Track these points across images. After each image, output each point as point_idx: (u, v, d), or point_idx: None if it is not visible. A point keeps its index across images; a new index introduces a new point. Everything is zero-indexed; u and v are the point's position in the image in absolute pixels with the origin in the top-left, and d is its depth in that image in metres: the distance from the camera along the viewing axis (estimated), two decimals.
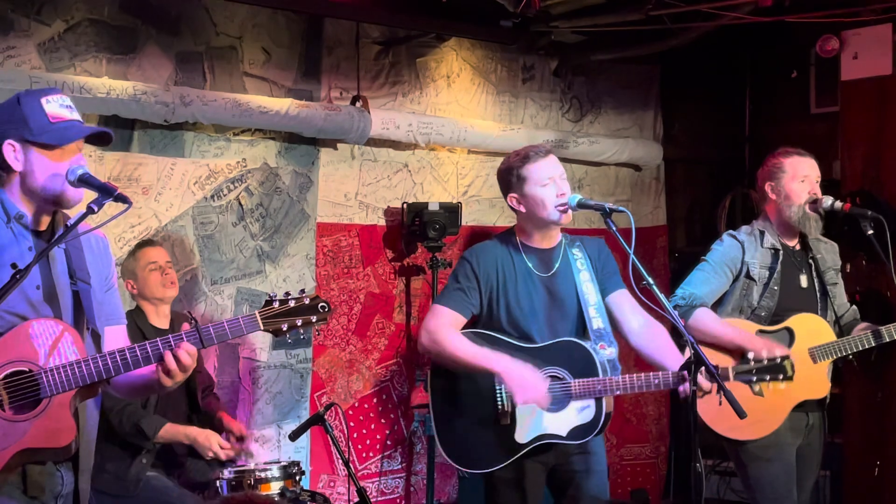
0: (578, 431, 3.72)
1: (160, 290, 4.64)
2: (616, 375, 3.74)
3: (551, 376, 3.75)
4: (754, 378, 3.71)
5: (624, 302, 3.92)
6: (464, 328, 3.90)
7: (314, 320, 2.85)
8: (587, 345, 3.76)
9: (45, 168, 2.82)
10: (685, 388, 3.55)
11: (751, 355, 3.75)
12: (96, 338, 2.89)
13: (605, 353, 3.76)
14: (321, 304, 2.85)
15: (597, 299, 3.85)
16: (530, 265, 3.87)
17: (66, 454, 2.84)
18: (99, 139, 2.96)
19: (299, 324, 2.84)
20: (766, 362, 3.69)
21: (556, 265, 3.88)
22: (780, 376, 3.69)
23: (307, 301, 2.85)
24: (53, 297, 2.85)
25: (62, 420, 2.75)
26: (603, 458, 3.91)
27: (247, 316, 2.82)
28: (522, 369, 3.68)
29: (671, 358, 3.76)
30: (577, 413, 3.72)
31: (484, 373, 3.73)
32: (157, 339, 2.82)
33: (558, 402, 3.74)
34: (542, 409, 3.74)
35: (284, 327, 2.83)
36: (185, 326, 2.85)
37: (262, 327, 2.81)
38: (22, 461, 2.76)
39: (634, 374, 3.70)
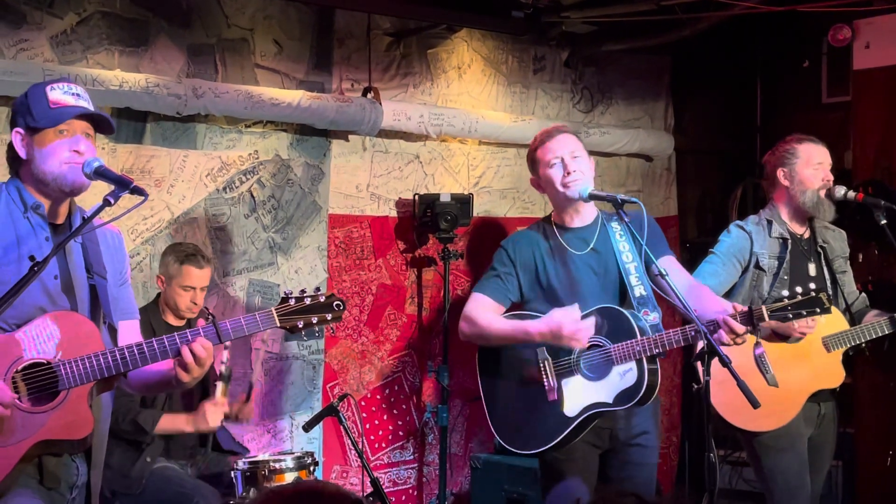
0: (624, 396, 3.74)
1: (183, 309, 4.63)
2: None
3: (592, 345, 3.78)
4: (791, 315, 3.62)
5: (670, 267, 3.85)
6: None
7: (329, 318, 2.89)
8: (623, 309, 3.79)
9: (42, 151, 2.85)
10: (720, 335, 3.56)
11: (784, 292, 3.68)
12: (112, 332, 2.91)
13: (649, 318, 3.79)
14: (336, 303, 2.89)
15: (638, 267, 3.86)
16: (567, 245, 3.92)
17: (83, 446, 2.87)
18: (100, 125, 2.96)
19: (315, 321, 2.88)
20: (800, 297, 3.62)
21: (594, 241, 3.92)
22: (818, 309, 3.61)
23: (322, 299, 2.89)
24: (70, 288, 2.87)
25: (80, 412, 2.78)
26: (656, 452, 3.96)
27: (263, 312, 2.85)
28: (555, 318, 3.68)
29: (714, 311, 3.71)
30: (620, 378, 3.74)
31: (526, 341, 3.76)
32: (175, 333, 2.85)
33: (600, 369, 3.77)
34: (586, 380, 3.76)
35: (300, 324, 2.87)
36: (201, 322, 2.88)
37: (278, 324, 2.85)
38: (39, 452, 2.79)
39: (670, 330, 3.71)
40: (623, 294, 3.87)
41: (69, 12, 4.72)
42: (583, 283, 3.87)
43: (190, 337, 2.82)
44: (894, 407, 5.92)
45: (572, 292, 3.85)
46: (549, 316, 3.71)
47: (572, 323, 3.66)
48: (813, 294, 3.63)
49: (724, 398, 3.99)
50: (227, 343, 4.41)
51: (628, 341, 3.72)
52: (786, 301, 3.64)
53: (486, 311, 3.88)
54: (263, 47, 5.34)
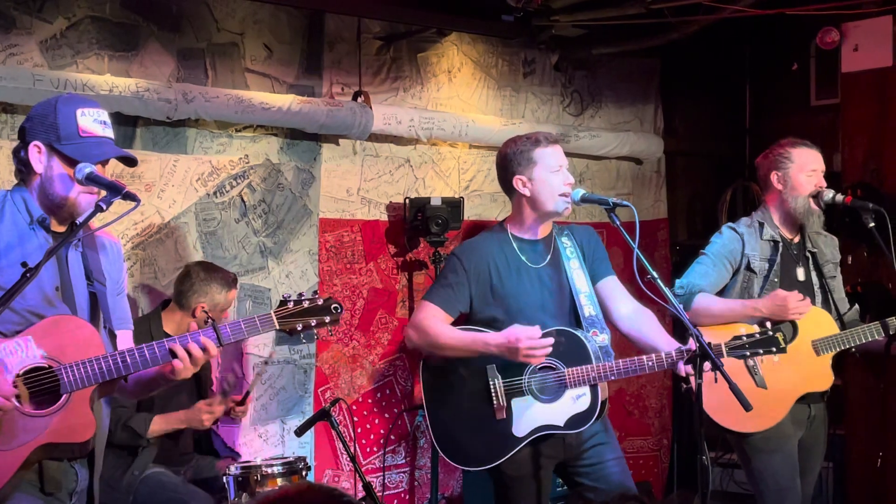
0: (576, 420, 3.74)
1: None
2: (609, 361, 3.75)
3: (544, 367, 3.76)
4: (748, 352, 3.69)
5: (614, 288, 3.95)
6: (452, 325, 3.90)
7: (327, 321, 2.95)
8: (579, 333, 3.77)
9: (62, 176, 2.87)
10: (684, 353, 3.57)
11: (742, 330, 3.75)
12: (112, 337, 2.94)
13: (598, 339, 3.79)
14: (334, 306, 2.95)
15: (587, 287, 3.86)
16: (522, 257, 3.87)
17: (85, 450, 2.89)
18: (123, 159, 3.00)
19: (313, 324, 2.93)
20: (757, 335, 3.68)
21: (548, 256, 3.89)
22: (774, 349, 3.67)
23: (320, 302, 2.94)
24: (70, 297, 2.89)
25: (82, 416, 2.80)
26: (616, 444, 3.93)
27: (262, 315, 2.91)
28: (514, 332, 3.64)
29: (662, 341, 3.78)
30: (572, 402, 3.74)
31: (482, 352, 3.72)
32: (176, 337, 2.88)
33: (552, 391, 3.75)
34: (537, 401, 3.75)
35: (299, 327, 2.93)
36: (194, 326, 2.90)
37: (277, 326, 2.91)
38: (41, 456, 2.80)
39: (628, 359, 3.72)
40: (574, 311, 3.85)
41: (59, 17, 4.71)
42: (536, 297, 3.83)
43: (191, 340, 2.87)
44: (884, 409, 5.94)
45: (525, 306, 3.82)
46: (509, 330, 3.67)
47: (529, 340, 3.61)
48: (770, 333, 3.66)
49: (712, 399, 3.97)
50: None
51: (583, 366, 3.71)
52: (745, 339, 3.67)
53: (439, 321, 3.82)
54: (254, 51, 5.34)
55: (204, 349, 2.86)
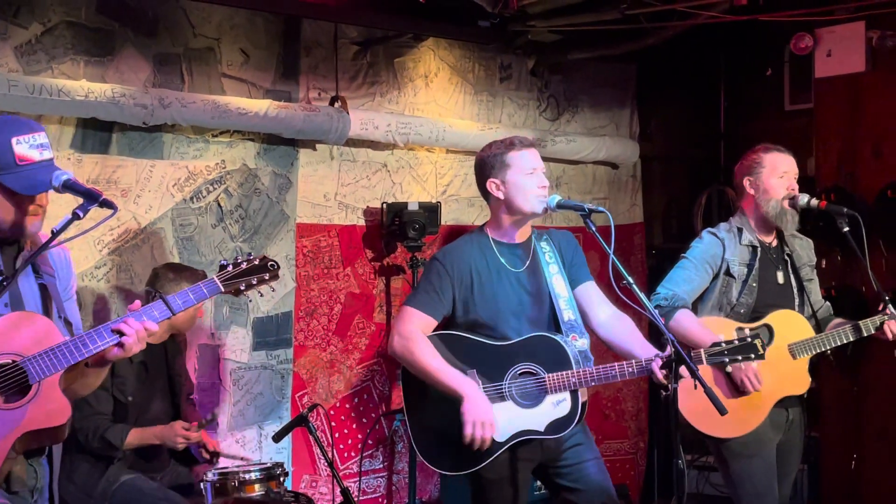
0: (556, 425, 3.74)
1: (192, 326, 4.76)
2: (588, 366, 3.76)
3: (525, 372, 3.77)
4: (727, 359, 3.72)
5: (592, 293, 3.95)
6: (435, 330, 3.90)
7: (267, 278, 3.08)
8: (559, 338, 3.78)
9: (4, 205, 2.87)
10: (660, 359, 3.58)
11: (721, 336, 3.77)
12: (68, 325, 2.99)
13: (577, 344, 3.79)
14: (270, 263, 3.09)
15: (567, 292, 3.87)
16: (503, 261, 3.88)
17: (62, 435, 2.93)
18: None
19: (255, 282, 3.07)
20: (736, 342, 3.70)
21: (528, 260, 3.90)
22: (752, 355, 3.70)
23: (257, 262, 3.08)
24: (19, 302, 2.92)
25: (55, 400, 2.85)
26: (594, 445, 3.93)
27: (206, 280, 3.02)
28: (482, 405, 3.70)
29: (639, 347, 3.79)
30: (553, 407, 3.74)
31: (450, 392, 3.74)
32: (129, 313, 2.92)
33: (533, 397, 3.76)
34: (518, 406, 3.76)
35: (242, 286, 3.06)
36: (137, 304, 2.95)
37: (222, 289, 3.02)
38: (24, 446, 2.85)
39: (608, 365, 3.72)
40: (554, 315, 3.85)
41: (34, 22, 4.69)
42: (515, 301, 3.84)
43: (145, 316, 2.92)
44: (858, 411, 6.00)
45: (505, 309, 3.82)
46: (481, 407, 3.69)
47: (485, 428, 3.67)
48: (749, 339, 3.69)
49: (691, 404, 4.02)
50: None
51: (563, 372, 3.72)
52: (724, 346, 3.69)
53: (424, 341, 3.81)
54: (230, 56, 5.33)
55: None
